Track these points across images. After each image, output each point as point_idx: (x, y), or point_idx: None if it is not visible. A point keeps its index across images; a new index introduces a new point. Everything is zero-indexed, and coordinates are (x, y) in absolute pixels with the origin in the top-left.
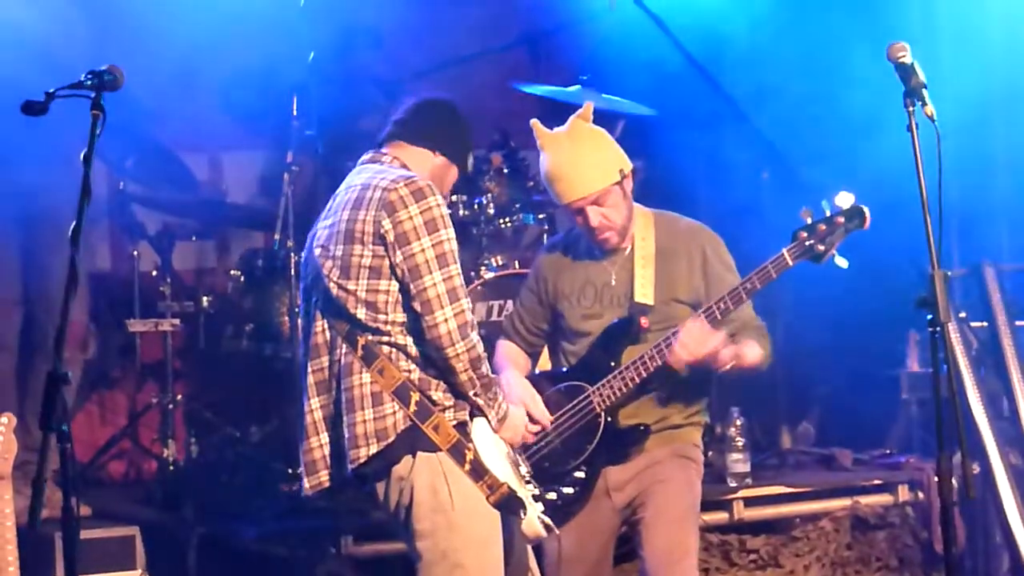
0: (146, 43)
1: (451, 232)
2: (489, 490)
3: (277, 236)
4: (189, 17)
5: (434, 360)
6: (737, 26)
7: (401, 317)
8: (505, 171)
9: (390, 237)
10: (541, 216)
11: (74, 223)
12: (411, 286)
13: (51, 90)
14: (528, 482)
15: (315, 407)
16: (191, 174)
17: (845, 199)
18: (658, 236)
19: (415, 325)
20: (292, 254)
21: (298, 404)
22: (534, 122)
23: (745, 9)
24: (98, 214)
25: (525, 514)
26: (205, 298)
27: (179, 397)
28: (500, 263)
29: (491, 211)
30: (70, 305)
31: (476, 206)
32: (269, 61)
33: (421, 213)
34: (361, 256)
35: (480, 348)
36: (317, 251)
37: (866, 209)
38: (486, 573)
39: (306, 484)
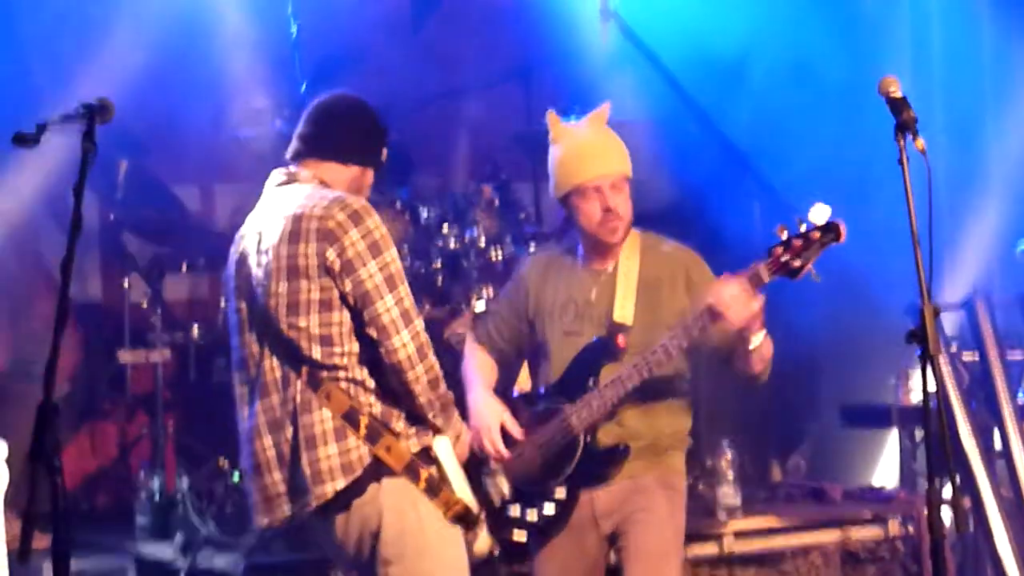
0: (138, 75)
1: (394, 251)
2: (445, 507)
3: None
4: (181, 48)
5: (392, 387)
6: (730, 57)
7: (356, 347)
8: (496, 203)
9: (336, 267)
10: (532, 248)
11: (64, 255)
12: (364, 313)
13: (43, 122)
14: (509, 502)
15: (268, 446)
16: (182, 205)
17: (820, 214)
18: (643, 258)
19: (370, 354)
20: None
21: (244, 447)
22: (550, 112)
23: (738, 39)
24: (89, 245)
25: (481, 530)
26: (196, 329)
27: (169, 428)
28: (491, 295)
29: (482, 243)
30: (60, 336)
31: (467, 238)
32: (262, 92)
33: (363, 237)
34: (309, 291)
35: (437, 367)
36: (258, 290)
37: (841, 223)
38: None
39: (261, 520)
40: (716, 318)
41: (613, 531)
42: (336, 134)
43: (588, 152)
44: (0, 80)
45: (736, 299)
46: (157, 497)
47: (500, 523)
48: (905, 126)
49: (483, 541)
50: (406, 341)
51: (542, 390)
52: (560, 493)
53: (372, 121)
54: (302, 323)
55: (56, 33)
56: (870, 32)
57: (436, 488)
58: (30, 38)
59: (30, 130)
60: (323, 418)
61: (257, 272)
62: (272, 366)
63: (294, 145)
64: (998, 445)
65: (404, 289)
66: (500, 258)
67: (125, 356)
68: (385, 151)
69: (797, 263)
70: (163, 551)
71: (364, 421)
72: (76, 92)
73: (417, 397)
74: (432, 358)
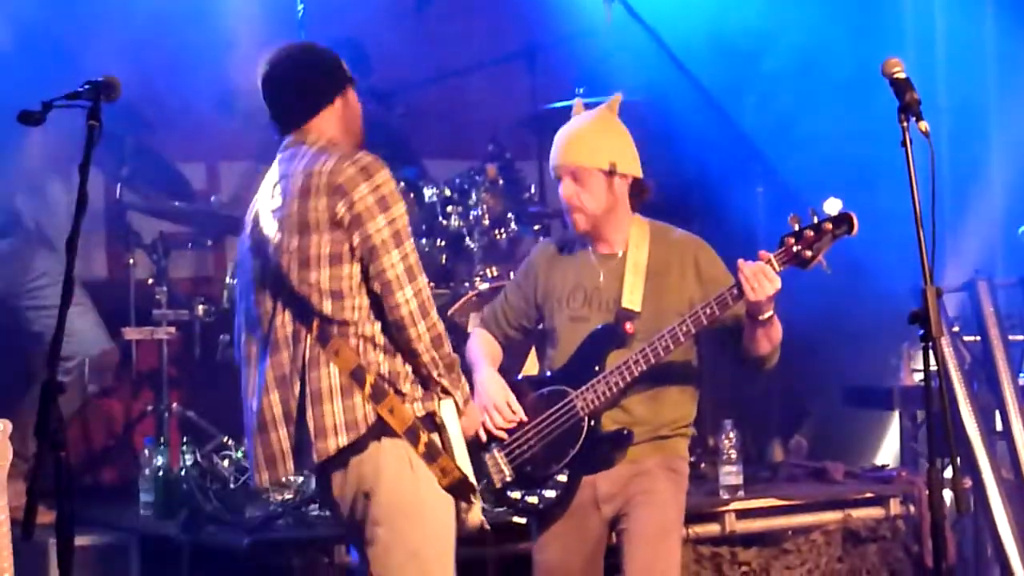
0: (143, 53)
1: (402, 207)
2: (441, 473)
3: None
4: (187, 26)
5: (398, 343)
6: (734, 39)
7: (366, 300)
8: (500, 182)
9: (346, 221)
10: (536, 227)
11: (70, 232)
12: (370, 267)
13: (48, 100)
14: (510, 485)
15: (275, 402)
16: (188, 183)
17: (833, 205)
18: (652, 246)
19: (379, 308)
20: None
21: (251, 404)
22: (577, 99)
23: (742, 23)
24: (94, 222)
25: (475, 500)
26: (201, 307)
27: (174, 405)
28: (495, 274)
29: (486, 222)
30: (66, 313)
31: (471, 217)
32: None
33: (372, 192)
34: (320, 246)
35: (441, 327)
36: (270, 248)
37: (854, 215)
38: (440, 561)
39: (262, 477)
40: (738, 295)
41: (615, 515)
42: (298, 95)
43: (561, 139)
44: (2, 58)
45: (758, 276)
46: (161, 474)
47: (501, 505)
48: (908, 108)
49: (476, 514)
50: (408, 297)
51: (548, 374)
52: (562, 477)
53: (316, 57)
54: (313, 278)
55: (59, 10)
56: (874, 17)
57: (434, 454)
58: (34, 16)
59: (35, 107)
60: (331, 373)
61: (270, 230)
62: (284, 322)
63: (274, 127)
64: (999, 426)
65: (410, 245)
66: (504, 237)
67: (130, 333)
68: (345, 65)
69: (808, 253)
70: (167, 528)
71: (370, 380)
72: (80, 70)
73: (420, 355)
74: (435, 316)
